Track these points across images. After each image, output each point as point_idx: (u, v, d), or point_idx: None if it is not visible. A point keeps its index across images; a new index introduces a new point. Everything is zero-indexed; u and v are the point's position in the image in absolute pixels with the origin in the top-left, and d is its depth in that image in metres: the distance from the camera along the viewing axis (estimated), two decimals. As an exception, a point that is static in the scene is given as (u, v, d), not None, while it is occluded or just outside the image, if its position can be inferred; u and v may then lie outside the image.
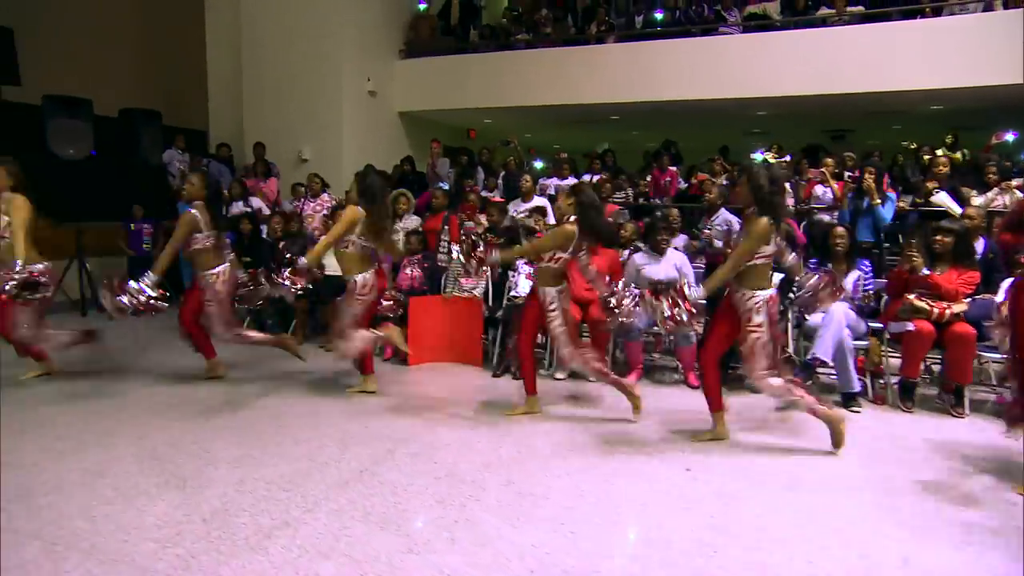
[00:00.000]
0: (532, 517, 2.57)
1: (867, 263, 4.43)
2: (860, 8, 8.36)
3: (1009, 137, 7.69)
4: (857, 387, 4.08)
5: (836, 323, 4.04)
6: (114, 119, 7.10)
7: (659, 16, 9.58)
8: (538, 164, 10.66)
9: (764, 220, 3.18)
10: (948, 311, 3.95)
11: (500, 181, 8.24)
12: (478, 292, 5.21)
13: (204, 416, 3.72)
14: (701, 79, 8.86)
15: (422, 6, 10.28)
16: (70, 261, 6.50)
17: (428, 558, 2.25)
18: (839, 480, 3.01)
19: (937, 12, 8.10)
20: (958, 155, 8.83)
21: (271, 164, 8.50)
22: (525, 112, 10.51)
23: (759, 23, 9.09)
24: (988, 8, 7.84)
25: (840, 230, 4.41)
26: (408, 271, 5.45)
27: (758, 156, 10.40)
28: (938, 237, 4.13)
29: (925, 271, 4.00)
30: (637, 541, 2.41)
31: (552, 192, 7.40)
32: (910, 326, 3.98)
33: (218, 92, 10.02)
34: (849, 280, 4.34)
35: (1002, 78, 7.40)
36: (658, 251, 4.73)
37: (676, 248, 4.93)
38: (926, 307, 3.97)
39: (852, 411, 4.03)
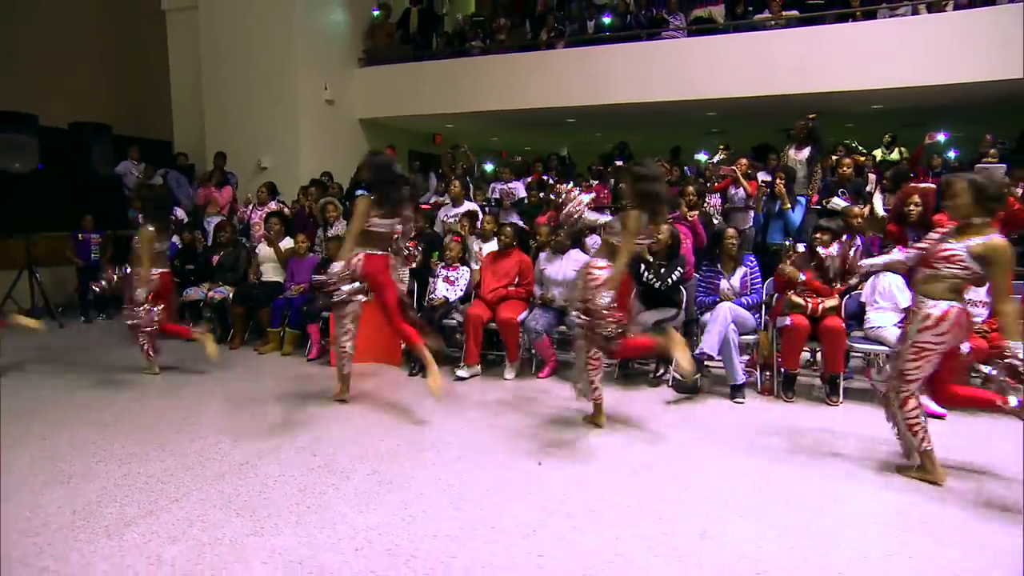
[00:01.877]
0: (381, 503, 2.79)
1: (753, 259, 4.66)
2: (795, 12, 8.60)
3: (940, 137, 7.93)
4: (741, 379, 4.31)
5: (721, 319, 4.28)
6: (64, 131, 7.30)
7: (607, 20, 9.81)
8: (488, 167, 10.87)
9: (635, 212, 3.41)
10: (821, 306, 4.18)
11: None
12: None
13: (113, 416, 3.94)
14: (648, 82, 9.10)
15: (376, 13, 10.49)
16: (20, 272, 6.71)
17: (268, 540, 2.48)
18: (693, 463, 3.23)
19: (869, 16, 8.35)
20: (895, 154, 9.10)
21: (229, 173, 8.71)
22: (483, 117, 10.75)
23: (703, 27, 9.34)
24: (915, 12, 8.11)
25: (731, 231, 4.64)
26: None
27: (702, 156, 10.65)
28: (817, 235, 4.35)
29: (801, 276, 4.23)
30: (467, 523, 2.63)
31: (497, 195, 7.63)
32: (788, 321, 4.21)
33: (181, 103, 10.25)
34: (736, 277, 4.58)
35: (935, 78, 7.70)
36: (559, 251, 4.96)
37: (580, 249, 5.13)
38: (801, 303, 4.20)
39: (736, 402, 4.27)
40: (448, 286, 5.25)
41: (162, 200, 5.09)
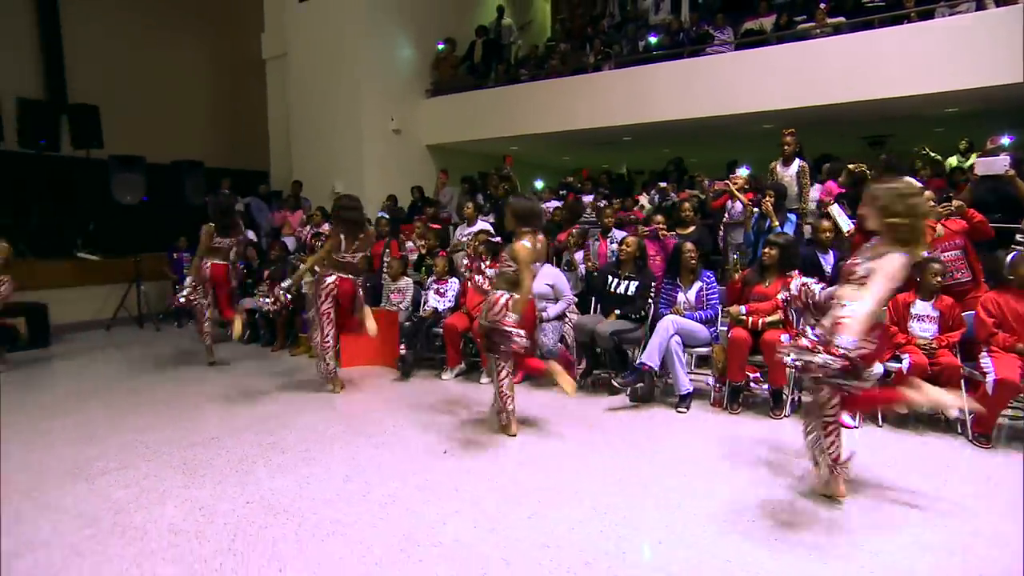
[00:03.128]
0: (267, 467, 3.38)
1: (710, 275, 4.76)
2: (841, 19, 8.31)
3: (1004, 140, 7.29)
4: (684, 389, 4.44)
5: (662, 331, 4.46)
6: (167, 167, 8.79)
7: (654, 40, 9.98)
8: (538, 184, 11.34)
9: (520, 243, 3.80)
10: (761, 320, 4.24)
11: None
12: (403, 306, 6.07)
13: (147, 396, 4.89)
14: (697, 97, 9.15)
15: (440, 47, 11.38)
16: (129, 285, 8.16)
17: (191, 492, 3.14)
18: (581, 464, 3.52)
19: (926, 16, 7.88)
20: (971, 160, 8.41)
21: (304, 199, 9.92)
22: (543, 138, 11.26)
23: (752, 40, 9.24)
24: (980, 7, 7.55)
25: (689, 246, 4.77)
26: (355, 288, 6.42)
27: (744, 171, 10.38)
28: (766, 250, 4.42)
29: (742, 309, 4.33)
30: (354, 492, 3.15)
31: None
32: (729, 333, 4.31)
33: (276, 139, 11.74)
34: (693, 291, 4.71)
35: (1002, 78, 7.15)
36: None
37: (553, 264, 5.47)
38: (742, 316, 4.29)
39: (678, 411, 4.41)
40: (438, 298, 5.80)
41: (225, 206, 6.03)
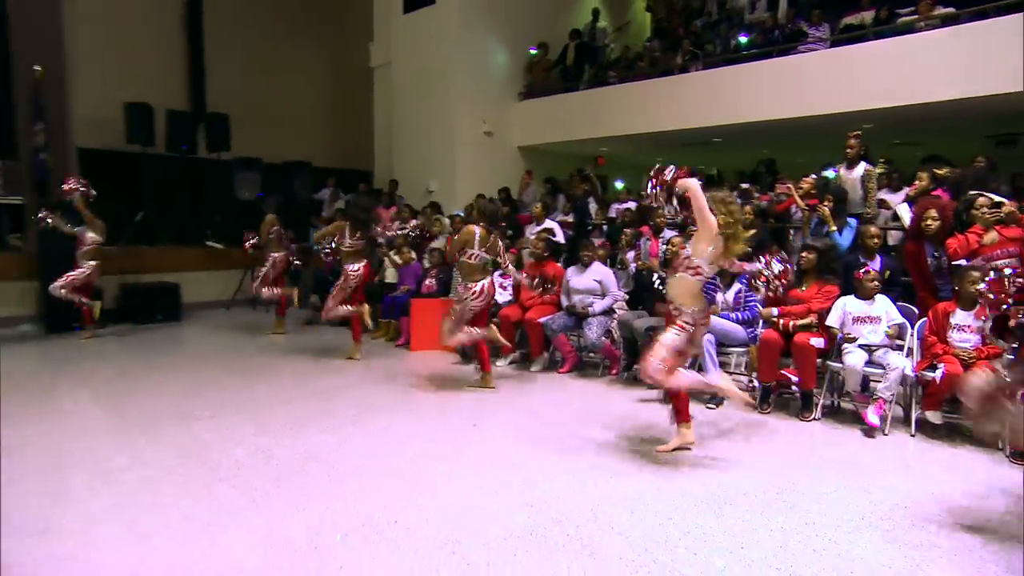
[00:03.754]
0: (318, 425, 3.94)
1: (746, 278, 4.79)
2: (951, 9, 7.75)
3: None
4: (717, 387, 4.54)
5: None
6: (279, 166, 9.91)
7: (744, 39, 9.79)
8: (619, 185, 11.43)
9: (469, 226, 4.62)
10: (792, 322, 4.27)
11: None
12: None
13: (217, 365, 5.72)
14: (790, 96, 8.90)
15: (533, 52, 11.80)
16: (245, 271, 9.31)
17: (227, 438, 3.79)
18: (588, 451, 3.80)
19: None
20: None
21: (400, 196, 10.74)
22: (633, 139, 11.37)
23: (850, 36, 8.83)
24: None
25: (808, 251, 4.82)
26: (428, 280, 7.00)
27: (830, 173, 9.85)
28: (803, 253, 4.43)
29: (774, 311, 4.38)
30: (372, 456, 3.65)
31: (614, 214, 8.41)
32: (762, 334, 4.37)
33: (380, 141, 12.72)
34: (731, 293, 4.79)
35: None
36: (585, 264, 5.60)
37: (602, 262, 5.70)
38: (774, 318, 4.34)
39: (707, 407, 4.53)
40: (501, 291, 6.22)
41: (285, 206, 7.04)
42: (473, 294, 4.79)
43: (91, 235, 6.75)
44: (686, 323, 3.36)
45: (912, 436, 4.01)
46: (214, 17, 11.01)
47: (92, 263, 6.75)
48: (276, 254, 7.34)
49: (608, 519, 2.83)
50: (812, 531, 2.74)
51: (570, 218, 9.32)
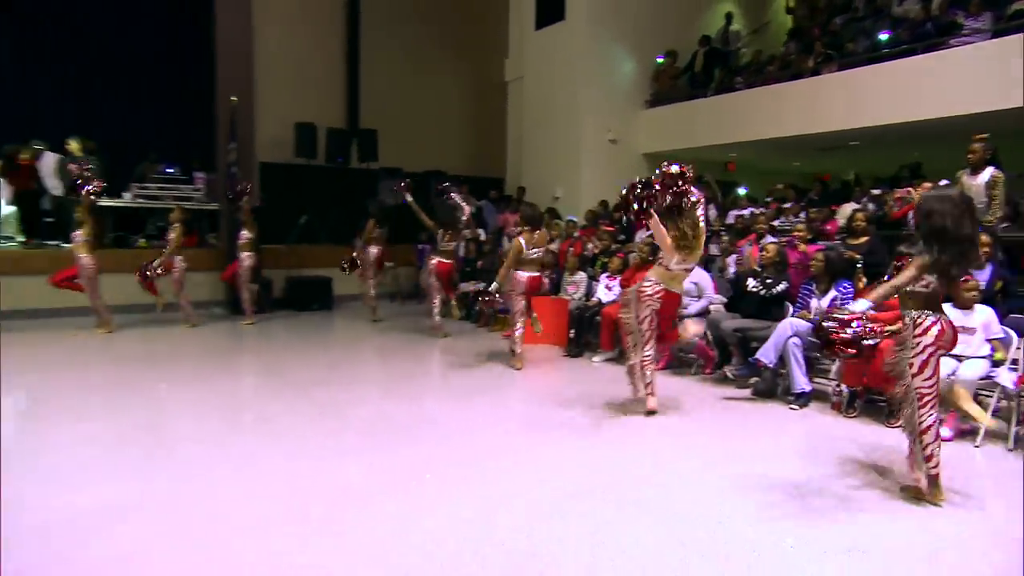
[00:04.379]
0: (435, 398, 4.62)
1: (847, 284, 4.81)
2: None
3: None
4: (799, 388, 4.65)
5: (781, 332, 4.74)
6: (419, 175, 11.04)
7: (884, 37, 9.30)
8: (741, 191, 11.23)
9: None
10: (880, 328, 4.27)
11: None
12: (576, 296, 7.04)
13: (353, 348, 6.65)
14: (933, 95, 8.39)
15: (660, 60, 11.98)
16: (394, 267, 10.50)
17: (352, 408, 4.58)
18: (660, 443, 4.15)
19: None
20: None
21: (525, 203, 11.46)
22: (761, 144, 11.19)
23: (1018, 24, 8.11)
24: None
25: (820, 255, 4.92)
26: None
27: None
28: (896, 262, 4.40)
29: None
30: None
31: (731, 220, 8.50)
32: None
33: (513, 150, 13.57)
34: (826, 299, 4.85)
35: None
36: (683, 267, 5.86)
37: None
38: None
39: (790, 408, 4.66)
40: (607, 291, 6.64)
41: (387, 210, 8.21)
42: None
43: (245, 232, 7.99)
44: None
45: (1010, 451, 3.88)
46: (369, 45, 12.49)
47: (248, 254, 8.01)
48: (373, 249, 8.34)
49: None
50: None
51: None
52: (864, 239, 5.75)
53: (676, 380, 5.57)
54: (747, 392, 5.00)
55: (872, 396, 4.61)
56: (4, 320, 6.99)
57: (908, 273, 2.99)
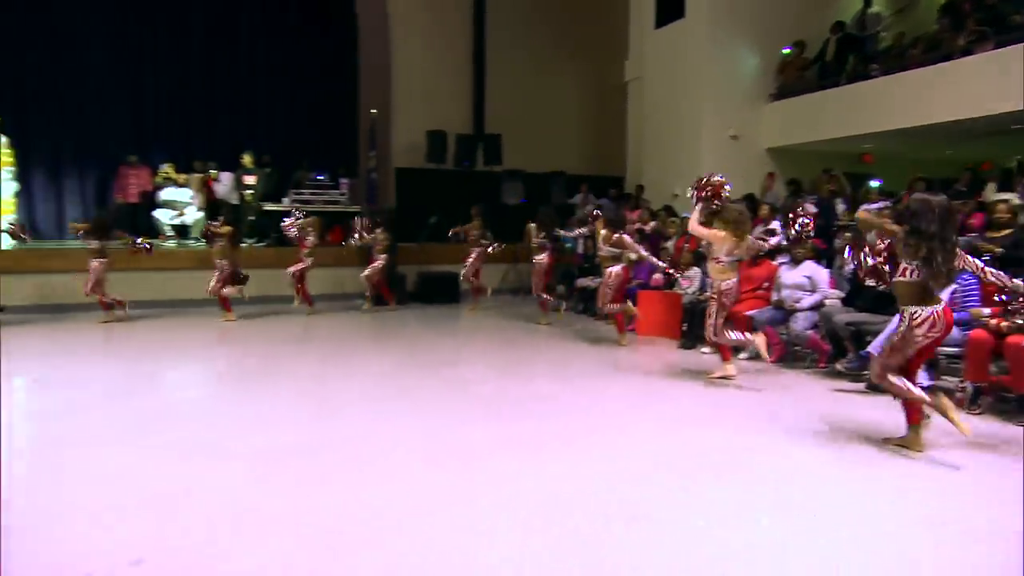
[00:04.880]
0: (540, 382, 5.05)
1: (967, 276, 4.60)
2: None
3: None
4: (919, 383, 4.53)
5: (893, 325, 4.62)
6: (538, 175, 11.58)
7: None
8: (874, 184, 10.58)
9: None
10: (1004, 323, 4.12)
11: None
12: (690, 290, 7.17)
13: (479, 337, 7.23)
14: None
15: (786, 51, 11.60)
16: (509, 265, 11.11)
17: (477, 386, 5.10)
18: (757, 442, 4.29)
19: None
20: None
21: (645, 200, 11.61)
22: (901, 134, 10.52)
23: None
24: None
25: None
26: (656, 275, 7.78)
27: None
28: (1028, 251, 4.20)
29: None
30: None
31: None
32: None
33: (633, 150, 13.71)
34: (946, 292, 4.67)
35: None
36: (795, 260, 5.84)
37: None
38: (983, 317, 4.23)
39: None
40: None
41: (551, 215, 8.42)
42: (609, 276, 6.49)
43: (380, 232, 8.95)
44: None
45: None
46: (494, 52, 13.23)
47: (383, 256, 9.02)
48: (478, 249, 8.99)
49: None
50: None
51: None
52: (1007, 231, 5.41)
53: (789, 373, 5.59)
54: (861, 385, 4.95)
55: (1001, 392, 4.41)
56: (195, 307, 8.43)
57: None
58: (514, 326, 8.16)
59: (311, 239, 8.52)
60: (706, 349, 6.36)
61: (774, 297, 5.98)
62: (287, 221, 8.63)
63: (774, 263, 6.27)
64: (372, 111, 10.06)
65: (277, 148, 11.47)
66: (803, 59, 11.62)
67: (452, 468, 3.34)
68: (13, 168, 9.77)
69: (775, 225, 7.78)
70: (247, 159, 10.23)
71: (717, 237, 5.10)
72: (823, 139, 11.03)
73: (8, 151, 9.61)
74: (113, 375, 5.43)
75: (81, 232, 7.78)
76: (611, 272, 6.59)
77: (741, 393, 4.93)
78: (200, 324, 7.85)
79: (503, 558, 2.43)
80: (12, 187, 9.70)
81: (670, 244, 8.45)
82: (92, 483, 3.11)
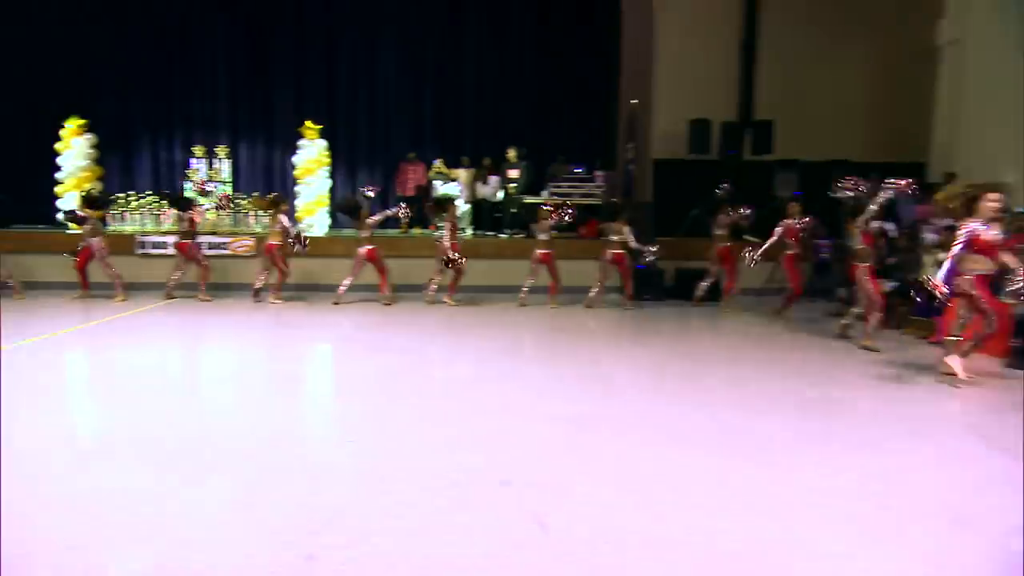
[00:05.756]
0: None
1: None
2: None
3: None
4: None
5: None
6: (814, 164, 10.18)
7: None
8: None
9: None
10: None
11: None
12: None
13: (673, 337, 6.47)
14: None
15: None
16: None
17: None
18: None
19: None
20: None
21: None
22: None
23: None
24: None
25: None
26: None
27: None
28: None
29: None
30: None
31: None
32: None
33: (940, 130, 11.32)
34: None
35: None
36: None
37: None
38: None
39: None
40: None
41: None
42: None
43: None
44: None
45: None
46: (766, 31, 11.96)
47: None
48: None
49: None
50: None
51: None
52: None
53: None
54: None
55: None
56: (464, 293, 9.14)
57: None
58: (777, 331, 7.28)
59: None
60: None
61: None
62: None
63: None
64: (633, 101, 9.78)
65: (536, 142, 11.88)
66: None
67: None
68: (329, 167, 11.62)
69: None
70: (511, 154, 10.73)
71: None
72: None
73: (326, 154, 11.44)
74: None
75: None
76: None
77: None
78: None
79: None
80: (327, 183, 11.53)
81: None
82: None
